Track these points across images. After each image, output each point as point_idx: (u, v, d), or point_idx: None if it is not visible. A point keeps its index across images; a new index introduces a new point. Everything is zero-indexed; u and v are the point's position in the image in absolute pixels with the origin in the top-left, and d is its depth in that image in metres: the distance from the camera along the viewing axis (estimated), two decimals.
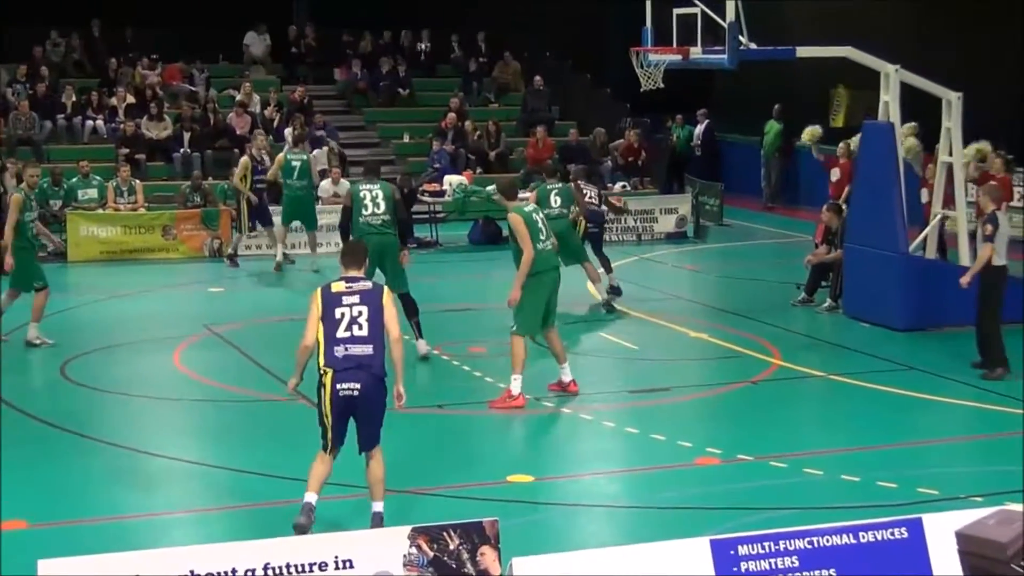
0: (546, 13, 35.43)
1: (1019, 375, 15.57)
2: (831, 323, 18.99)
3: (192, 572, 7.54)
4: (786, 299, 20.17)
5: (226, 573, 7.58)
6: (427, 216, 26.59)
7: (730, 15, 17.72)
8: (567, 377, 14.84)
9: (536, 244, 14.29)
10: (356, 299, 10.33)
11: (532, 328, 14.57)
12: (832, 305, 19.43)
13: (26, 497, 11.24)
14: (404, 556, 7.86)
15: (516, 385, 14.39)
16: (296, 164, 22.85)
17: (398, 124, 32.30)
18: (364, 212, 16.09)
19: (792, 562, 8.09)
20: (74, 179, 25.20)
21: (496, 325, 16.94)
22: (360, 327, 10.27)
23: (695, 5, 18.31)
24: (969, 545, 8.38)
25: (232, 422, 14.22)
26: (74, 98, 29.62)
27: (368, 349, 10.25)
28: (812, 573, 8.11)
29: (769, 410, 14.74)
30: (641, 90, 19.38)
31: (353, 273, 10.56)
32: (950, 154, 18.57)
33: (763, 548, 8.07)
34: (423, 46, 34.86)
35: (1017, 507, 8.76)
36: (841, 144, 22.53)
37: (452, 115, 30.60)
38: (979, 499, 10.93)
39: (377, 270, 15.85)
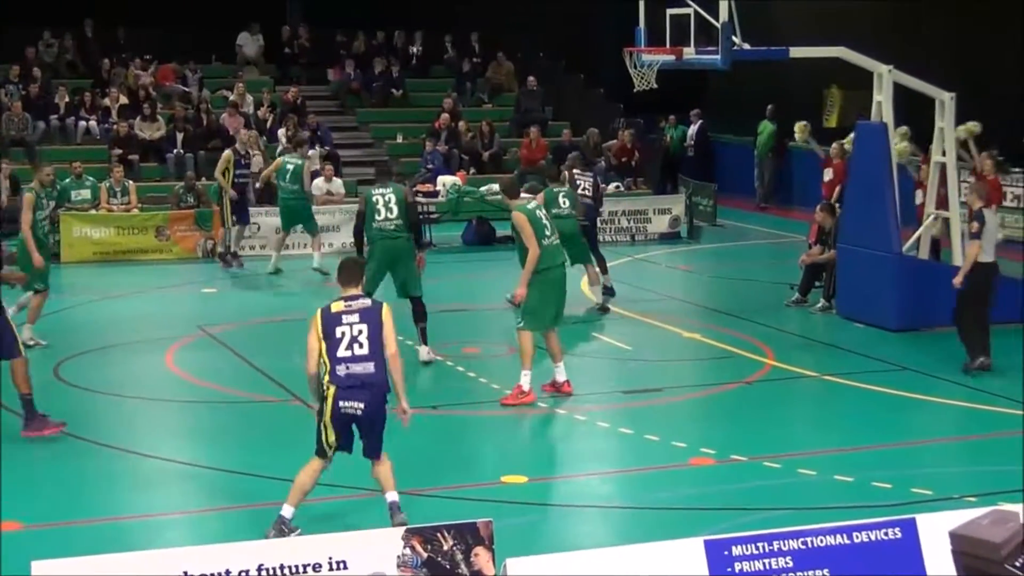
0: (540, 14, 35.45)
1: (1003, 372, 15.63)
2: (824, 323, 19.00)
3: (186, 573, 7.53)
4: (780, 299, 20.18)
5: (220, 574, 7.58)
6: (421, 217, 26.54)
7: (723, 15, 17.72)
8: (561, 377, 14.86)
9: (541, 241, 14.38)
10: (356, 318, 10.34)
11: (539, 324, 14.64)
12: (825, 305, 19.44)
13: (20, 498, 11.21)
14: (398, 557, 7.86)
15: (526, 381, 14.49)
16: (290, 167, 22.82)
17: (391, 124, 32.30)
18: (377, 217, 16.08)
19: (786, 562, 8.10)
20: (67, 180, 25.07)
21: (490, 326, 16.97)
22: (361, 345, 10.29)
23: (688, 5, 18.31)
24: (963, 545, 8.39)
25: (225, 423, 14.21)
26: (67, 99, 29.59)
27: (370, 367, 10.27)
28: (806, 573, 8.12)
29: (763, 410, 14.74)
30: (634, 90, 19.37)
31: (351, 291, 10.57)
32: (943, 154, 18.59)
33: (757, 548, 8.08)
34: (416, 47, 34.85)
35: (1011, 507, 8.76)
36: (834, 144, 22.54)
37: (445, 115, 30.60)
38: (973, 499, 10.94)
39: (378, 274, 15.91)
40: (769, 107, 31.45)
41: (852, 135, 19.89)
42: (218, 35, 33.72)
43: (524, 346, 14.48)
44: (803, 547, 8.16)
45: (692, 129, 33.18)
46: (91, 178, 25.33)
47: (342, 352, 10.27)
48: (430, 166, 28.57)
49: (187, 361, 16.66)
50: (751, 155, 32.26)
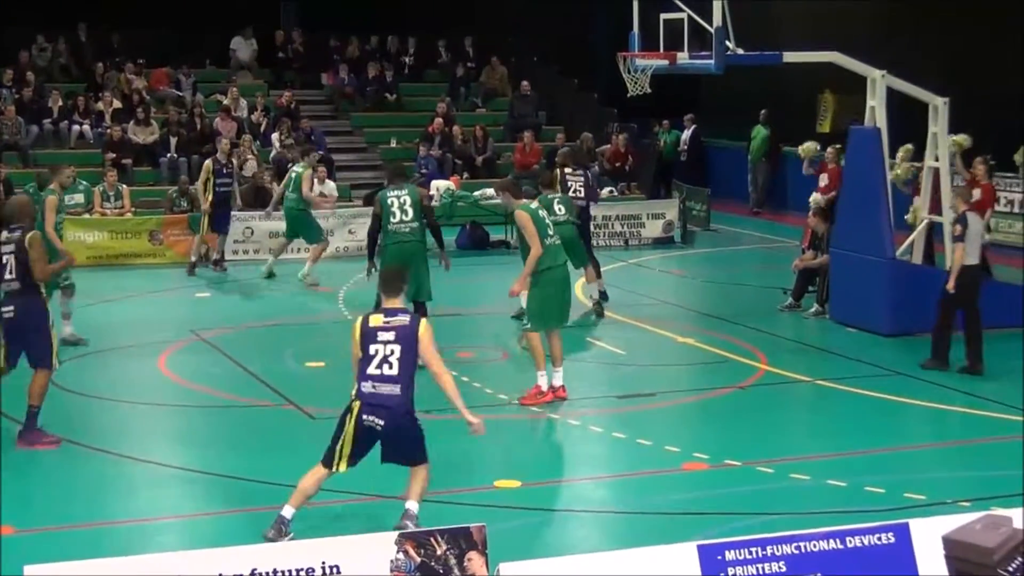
0: (534, 18, 35.47)
1: (996, 376, 15.65)
2: (818, 328, 19.01)
3: None
4: (773, 304, 20.19)
5: None
6: None
7: (717, 20, 17.74)
8: (557, 382, 14.89)
9: (544, 240, 14.46)
10: (391, 336, 10.27)
11: (545, 323, 14.77)
12: (819, 310, 19.45)
13: (13, 503, 11.19)
14: (391, 562, 7.85)
15: (543, 381, 14.60)
16: (294, 175, 22.80)
17: (385, 129, 32.29)
18: (392, 220, 16.10)
19: (779, 567, 8.10)
20: None
21: (484, 330, 16.96)
22: (390, 366, 10.25)
23: (682, 10, 18.32)
24: (956, 550, 8.39)
25: (219, 427, 14.20)
26: (60, 102, 29.56)
27: (395, 389, 10.25)
28: None
29: (756, 415, 14.74)
30: (628, 95, 19.38)
31: (392, 304, 10.52)
32: (936, 159, 18.62)
33: (750, 553, 8.08)
34: (410, 51, 34.85)
35: (1004, 512, 8.77)
36: (829, 149, 22.56)
37: (439, 120, 30.61)
38: (966, 504, 10.95)
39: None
40: (762, 112, 31.50)
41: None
42: (212, 39, 33.75)
43: (534, 347, 14.58)
44: (796, 552, 8.16)
45: (686, 134, 33.22)
46: (84, 182, 25.09)
47: (372, 370, 10.24)
48: (424, 171, 28.57)
49: (180, 365, 16.65)
50: (744, 160, 32.30)
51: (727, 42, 17.89)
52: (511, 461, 13.11)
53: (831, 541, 8.26)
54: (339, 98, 33.17)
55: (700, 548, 8.06)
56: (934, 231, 19.31)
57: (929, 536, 8.41)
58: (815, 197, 21.29)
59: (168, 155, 28.47)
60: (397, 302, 10.58)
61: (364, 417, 10.28)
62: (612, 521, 11.47)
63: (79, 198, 24.74)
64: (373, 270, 17.08)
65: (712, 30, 17.80)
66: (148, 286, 22.13)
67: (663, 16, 18.69)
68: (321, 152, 28.84)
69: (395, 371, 10.23)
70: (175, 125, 28.99)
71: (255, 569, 7.62)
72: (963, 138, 19.34)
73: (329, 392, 15.52)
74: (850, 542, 8.28)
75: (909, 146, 19.85)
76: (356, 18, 34.06)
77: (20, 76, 30.09)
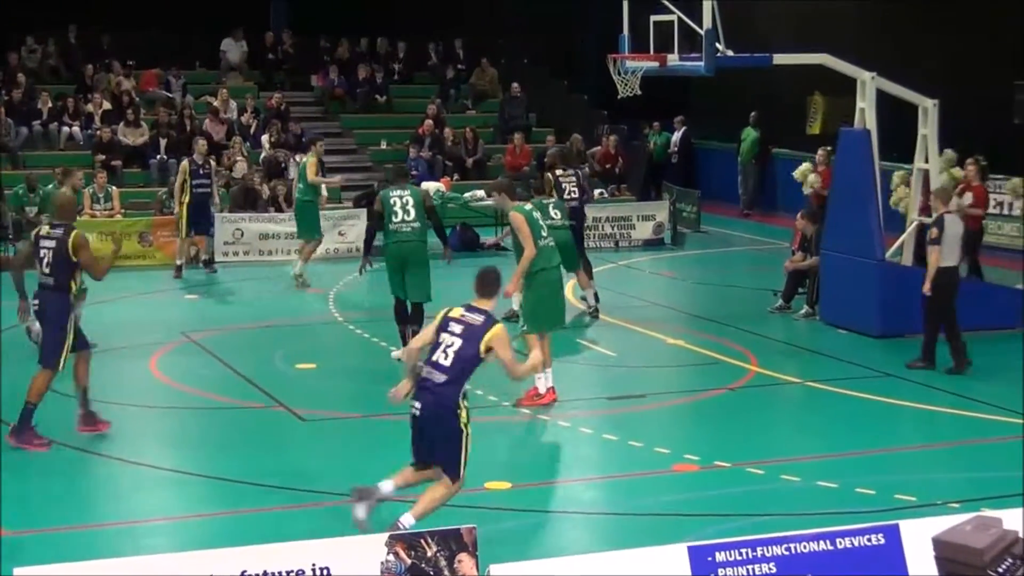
0: (524, 20, 35.47)
1: (989, 377, 15.68)
2: (808, 330, 19.02)
3: None
4: (763, 306, 20.19)
5: None
6: None
7: (707, 22, 17.75)
8: (548, 383, 14.91)
9: (538, 242, 14.50)
10: (460, 329, 10.38)
11: (542, 325, 14.82)
12: (809, 312, 19.46)
13: (3, 505, 11.17)
14: (382, 563, 7.85)
15: (541, 383, 14.58)
16: (300, 167, 22.82)
17: (375, 131, 32.27)
18: (394, 219, 16.13)
19: (769, 568, 8.10)
20: (50, 186, 25.05)
21: None
22: (446, 357, 10.32)
23: (672, 12, 18.33)
24: (946, 551, 8.40)
25: (209, 429, 14.18)
26: (50, 104, 29.51)
27: (441, 377, 10.29)
28: None
29: (746, 416, 14.75)
30: (618, 97, 19.38)
31: (479, 303, 10.63)
32: (926, 161, 18.64)
33: (740, 554, 8.08)
34: (400, 53, 34.83)
35: (993, 513, 8.78)
36: (820, 151, 22.60)
37: (429, 122, 30.59)
38: (956, 505, 10.97)
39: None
40: (752, 114, 31.52)
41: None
42: (202, 41, 33.69)
43: (531, 349, 14.54)
44: (787, 553, 8.17)
45: (676, 136, 33.23)
46: (63, 188, 25.22)
47: (433, 356, 10.37)
48: (414, 172, 28.55)
49: (171, 367, 16.63)
50: (735, 161, 32.31)
51: (717, 44, 17.90)
52: (501, 463, 13.11)
53: (821, 542, 8.27)
54: (329, 100, 33.14)
55: (690, 549, 8.07)
56: (924, 233, 19.32)
57: (919, 537, 8.43)
58: (811, 179, 21.45)
59: (158, 157, 28.44)
60: (486, 303, 10.67)
61: (411, 403, 10.39)
62: (602, 522, 11.47)
63: None
64: (367, 268, 17.10)
65: (702, 32, 17.81)
66: (138, 288, 22.09)
67: (653, 18, 18.69)
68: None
69: (448, 362, 10.30)
70: (165, 127, 28.96)
71: (245, 571, 7.62)
72: (951, 154, 19.49)
73: (319, 394, 15.57)
74: (840, 543, 8.29)
75: (904, 172, 19.94)
76: (346, 20, 34.03)
77: (9, 77, 30.04)
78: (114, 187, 25.71)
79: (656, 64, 18.56)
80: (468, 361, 10.29)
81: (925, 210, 18.75)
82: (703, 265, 25.35)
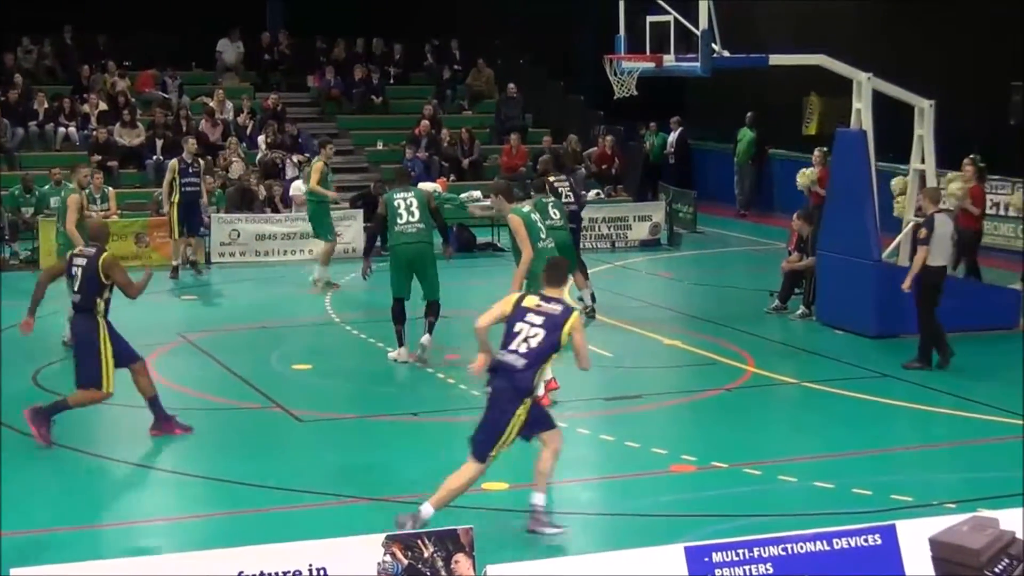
0: (520, 21, 35.48)
1: (985, 377, 15.69)
2: (804, 330, 19.03)
3: None
4: (759, 306, 20.20)
5: None
6: None
7: (703, 23, 17.76)
8: (547, 375, 14.95)
9: (536, 244, 14.54)
10: (540, 320, 10.53)
11: None
12: (805, 312, 19.47)
13: (1, 505, 11.17)
14: (378, 564, 7.84)
15: (540, 385, 14.53)
16: (308, 170, 22.74)
17: (371, 131, 32.27)
18: (399, 221, 16.18)
19: (766, 569, 8.10)
20: (46, 186, 25.06)
21: (471, 333, 16.85)
22: (528, 345, 10.48)
23: (668, 13, 18.33)
24: (943, 551, 8.40)
25: (206, 430, 14.16)
26: (46, 105, 29.52)
27: (521, 363, 10.45)
28: None
29: (743, 417, 14.76)
30: (615, 98, 19.40)
31: (552, 292, 10.77)
32: (922, 161, 18.66)
33: (737, 555, 8.08)
34: (396, 53, 34.83)
35: (990, 514, 8.78)
36: (817, 151, 22.60)
37: (425, 122, 30.59)
38: (952, 506, 10.98)
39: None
40: (749, 114, 31.52)
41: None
42: (198, 42, 33.69)
43: None
44: (783, 553, 8.17)
45: (672, 136, 33.24)
46: (70, 185, 25.19)
47: (512, 344, 10.52)
48: (411, 173, 28.55)
49: (168, 368, 16.61)
50: (731, 162, 32.32)
51: (713, 45, 17.90)
52: (499, 463, 13.05)
53: (818, 543, 8.26)
54: (325, 100, 33.15)
55: (687, 550, 8.06)
56: None
57: (916, 538, 8.42)
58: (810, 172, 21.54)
59: (154, 157, 28.43)
60: (558, 292, 10.80)
61: (485, 388, 10.61)
62: (599, 523, 11.48)
63: None
64: (370, 271, 17.09)
65: (698, 33, 17.82)
66: None
67: (649, 19, 18.70)
68: (308, 156, 28.86)
69: (528, 349, 10.46)
70: (161, 127, 28.96)
71: (242, 571, 7.61)
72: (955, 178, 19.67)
73: (316, 394, 15.58)
74: (837, 544, 8.29)
75: (904, 179, 19.96)
76: (342, 20, 34.03)
77: (5, 78, 30.03)
78: (110, 188, 25.67)
79: (652, 65, 18.58)
80: (549, 349, 10.49)
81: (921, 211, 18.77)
82: (699, 266, 25.35)
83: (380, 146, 31.65)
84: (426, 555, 7.91)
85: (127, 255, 24.20)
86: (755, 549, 8.13)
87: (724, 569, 8.03)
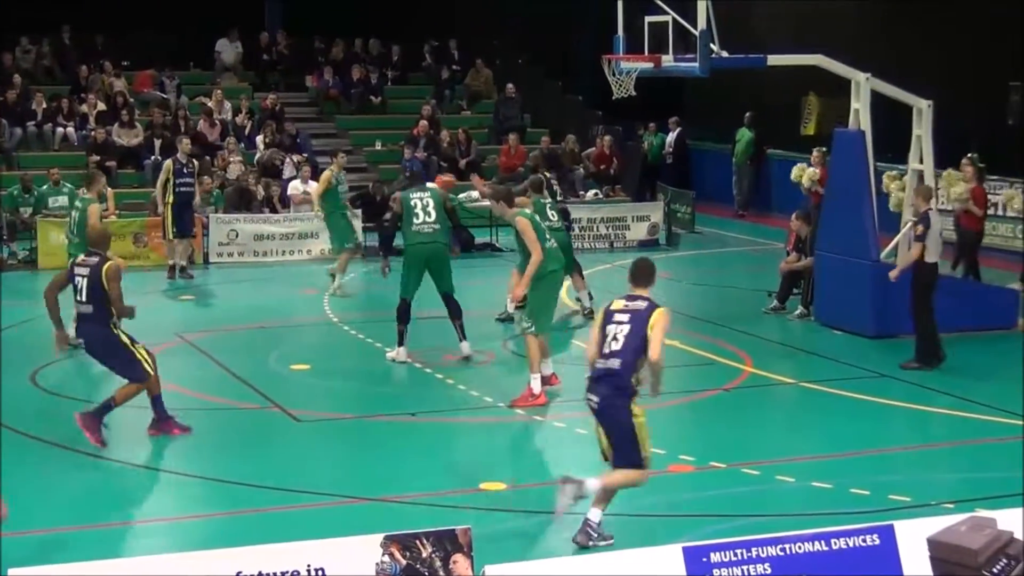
0: (519, 21, 35.47)
1: (982, 377, 15.69)
2: (803, 330, 19.02)
3: None
4: (758, 306, 20.20)
5: None
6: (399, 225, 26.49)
7: (701, 23, 17.75)
8: (548, 371, 15.00)
9: (544, 245, 14.65)
10: (626, 318, 10.58)
11: (547, 326, 15.03)
12: (803, 312, 19.47)
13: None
14: (376, 564, 7.85)
15: (536, 384, 14.66)
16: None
17: (370, 132, 32.26)
18: (415, 220, 16.21)
19: (764, 569, 8.11)
20: (44, 187, 25.07)
21: (469, 333, 16.93)
22: (616, 342, 10.50)
23: (666, 13, 18.33)
24: (941, 551, 8.41)
25: (204, 430, 14.15)
26: (44, 105, 29.50)
27: (614, 364, 10.45)
28: None
29: (741, 417, 14.76)
30: (613, 98, 19.39)
31: (637, 291, 10.84)
32: (920, 161, 18.66)
33: (735, 555, 8.09)
34: (395, 53, 34.82)
35: (988, 514, 8.79)
36: (815, 151, 22.59)
37: (424, 123, 30.58)
38: (950, 506, 10.98)
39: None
40: (747, 115, 31.51)
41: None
42: (196, 42, 33.68)
43: (532, 350, 14.69)
44: (781, 553, 8.18)
45: (671, 136, 33.22)
46: (68, 185, 25.21)
47: (605, 348, 10.53)
48: (408, 173, 28.53)
49: (166, 368, 16.53)
50: (729, 162, 32.31)
51: (712, 45, 17.90)
52: (496, 463, 13.12)
53: (816, 543, 8.27)
54: (324, 100, 33.14)
55: (685, 550, 8.07)
56: None
57: (914, 538, 8.43)
58: (810, 172, 21.54)
59: (152, 157, 28.39)
60: (643, 291, 10.85)
61: (587, 396, 10.58)
62: None
63: (63, 201, 24.84)
64: (388, 269, 17.08)
65: (696, 33, 17.82)
66: (132, 289, 21.93)
67: (648, 19, 18.69)
68: (306, 156, 28.86)
69: (619, 346, 10.46)
70: (159, 127, 28.95)
71: (240, 572, 7.62)
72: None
73: (314, 394, 15.59)
74: (835, 544, 8.30)
75: (893, 174, 19.98)
76: (341, 20, 34.02)
77: (4, 78, 30.01)
78: (109, 188, 25.61)
79: (651, 65, 18.57)
80: (637, 344, 10.44)
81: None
82: (698, 266, 25.35)
83: (378, 146, 31.63)
84: (424, 555, 7.91)
85: (125, 255, 24.18)
86: (753, 549, 8.14)
87: (722, 569, 8.04)
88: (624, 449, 10.51)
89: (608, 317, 10.65)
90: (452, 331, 16.82)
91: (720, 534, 9.96)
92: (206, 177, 25.49)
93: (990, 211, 22.52)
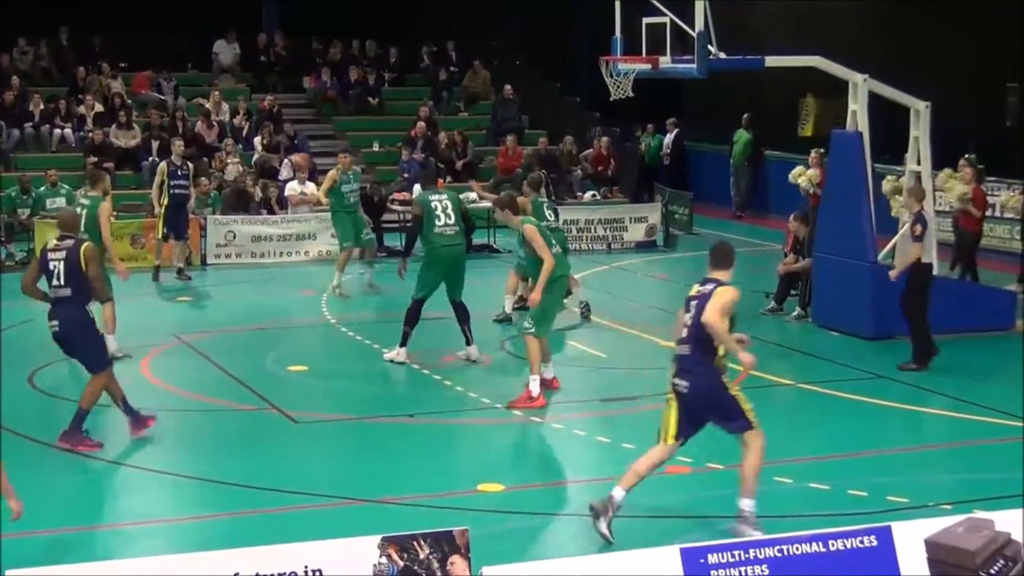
0: (516, 22, 35.46)
1: (979, 378, 15.69)
2: (800, 332, 19.03)
3: None
4: (755, 308, 20.17)
5: None
6: (397, 225, 26.55)
7: (699, 24, 17.75)
8: (549, 374, 15.01)
9: (551, 249, 14.68)
10: (695, 303, 10.76)
11: (548, 329, 15.07)
12: (801, 314, 19.47)
13: None
14: (374, 566, 7.84)
15: (536, 386, 14.66)
16: None
17: (368, 133, 32.25)
18: (437, 223, 16.22)
19: (762, 570, 8.10)
20: (42, 188, 25.07)
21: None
22: (685, 329, 10.75)
23: (664, 14, 18.33)
24: (938, 553, 8.41)
25: (202, 431, 14.18)
26: (42, 106, 29.48)
27: (685, 350, 10.71)
28: None
29: None
30: (611, 99, 19.39)
31: (713, 275, 10.98)
32: (918, 163, 18.67)
33: (733, 556, 8.08)
34: (392, 55, 34.82)
35: (985, 515, 8.79)
36: (813, 152, 22.59)
37: (421, 124, 30.59)
38: (948, 507, 10.97)
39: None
40: (745, 116, 31.51)
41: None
42: (194, 43, 33.67)
43: (533, 351, 14.69)
44: (779, 555, 8.17)
45: (668, 138, 33.23)
46: (66, 186, 25.24)
47: (678, 335, 10.83)
48: (406, 175, 28.58)
49: (163, 369, 16.62)
50: (727, 164, 32.31)
51: (709, 46, 17.90)
52: (494, 464, 13.12)
53: (814, 544, 8.27)
54: (321, 102, 33.13)
55: (683, 551, 8.06)
56: None
57: (911, 539, 8.43)
58: (810, 173, 21.55)
59: (150, 159, 28.36)
60: (720, 274, 10.96)
61: (673, 380, 10.74)
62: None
63: (61, 202, 24.85)
64: (405, 270, 17.00)
65: (694, 34, 17.82)
66: (129, 290, 22.01)
67: (645, 20, 18.68)
68: (305, 154, 28.86)
69: (686, 333, 10.69)
70: (157, 129, 28.94)
71: (238, 573, 7.61)
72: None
73: (311, 396, 15.58)
74: (833, 545, 8.29)
75: (895, 180, 20.02)
76: (338, 21, 34.02)
77: (2, 80, 29.99)
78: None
79: (648, 66, 18.56)
80: (701, 328, 10.57)
81: None
82: (695, 267, 25.16)
83: (376, 147, 31.61)
84: (422, 556, 7.91)
85: (124, 256, 24.16)
86: (751, 550, 8.13)
87: (720, 570, 8.04)
88: (737, 420, 10.74)
89: (686, 304, 10.85)
90: (451, 332, 16.82)
91: (717, 535, 9.97)
92: (203, 178, 25.48)
93: (988, 212, 22.54)
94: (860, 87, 18.36)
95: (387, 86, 33.95)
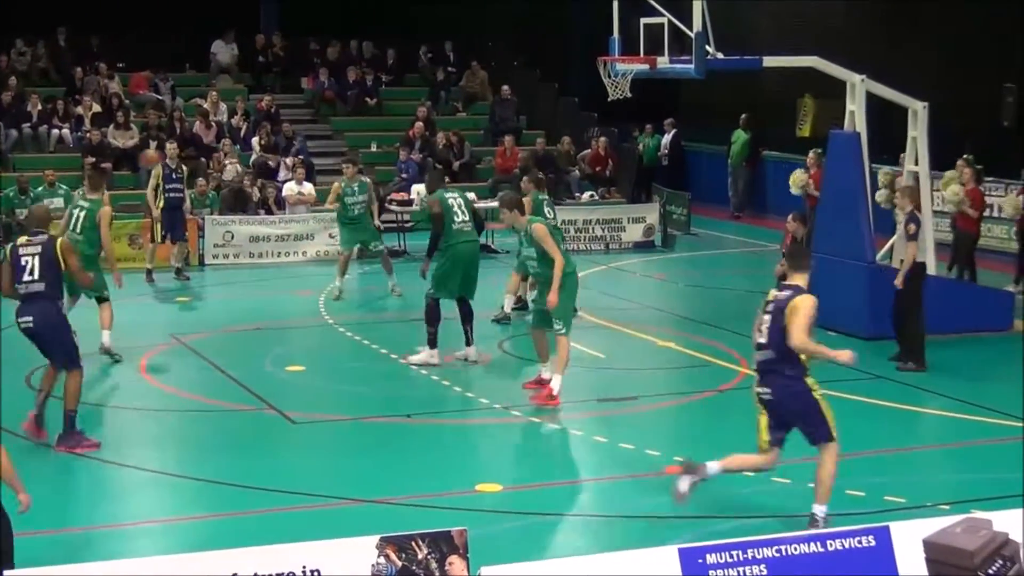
0: (514, 23, 35.46)
1: (977, 379, 15.69)
2: None
3: None
4: (753, 308, 20.01)
5: None
6: (395, 225, 26.55)
7: (697, 25, 17.76)
8: (547, 374, 14.97)
9: (560, 248, 14.69)
10: (771, 308, 10.82)
11: (571, 326, 15.00)
12: None
13: None
14: (372, 566, 7.84)
15: (557, 384, 14.74)
16: None
17: (366, 133, 32.24)
18: (456, 220, 16.24)
19: (760, 570, 8.10)
20: (40, 188, 25.04)
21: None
22: (761, 335, 10.85)
23: (662, 15, 18.33)
24: (936, 553, 8.41)
25: (199, 432, 14.17)
26: (40, 107, 29.46)
27: (768, 354, 10.76)
28: None
29: (737, 418, 14.68)
30: (609, 99, 19.39)
31: (794, 278, 10.99)
32: (916, 163, 18.67)
33: (731, 556, 8.08)
34: (390, 55, 34.82)
35: (984, 515, 8.79)
36: (811, 153, 22.58)
37: (419, 124, 30.59)
38: (946, 507, 10.97)
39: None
40: (743, 116, 31.52)
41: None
42: (192, 43, 33.65)
43: (563, 352, 14.68)
44: (777, 555, 8.17)
45: (666, 138, 33.24)
46: (64, 186, 25.21)
47: (756, 340, 10.93)
48: (404, 175, 28.58)
49: (160, 370, 16.62)
50: (725, 164, 32.32)
51: (707, 46, 17.90)
52: (492, 465, 13.12)
53: (812, 544, 8.26)
54: (319, 102, 33.12)
55: (681, 551, 8.06)
56: None
57: (910, 539, 8.43)
58: (799, 177, 21.55)
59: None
60: (799, 278, 10.95)
61: (757, 389, 10.84)
62: (593, 524, 11.48)
63: (58, 202, 24.79)
64: (427, 271, 16.92)
65: (692, 34, 17.82)
66: (127, 290, 21.97)
67: (643, 20, 18.69)
68: (302, 157, 28.84)
69: (763, 339, 10.78)
70: (155, 129, 28.92)
71: (236, 573, 7.61)
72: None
73: (309, 396, 15.57)
74: (831, 545, 8.29)
75: (891, 173, 20.01)
76: (336, 22, 34.02)
77: None
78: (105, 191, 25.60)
79: (646, 66, 18.56)
80: (779, 335, 10.64)
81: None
82: (693, 267, 25.35)
83: (374, 148, 31.59)
84: (420, 557, 7.90)
85: (121, 257, 24.16)
86: (749, 550, 8.13)
87: (718, 570, 8.03)
88: (820, 429, 10.80)
89: (764, 306, 10.92)
90: (450, 333, 16.80)
91: (715, 535, 9.96)
92: (201, 179, 25.47)
93: (985, 213, 22.54)
94: (858, 87, 18.36)
95: (385, 86, 33.94)
